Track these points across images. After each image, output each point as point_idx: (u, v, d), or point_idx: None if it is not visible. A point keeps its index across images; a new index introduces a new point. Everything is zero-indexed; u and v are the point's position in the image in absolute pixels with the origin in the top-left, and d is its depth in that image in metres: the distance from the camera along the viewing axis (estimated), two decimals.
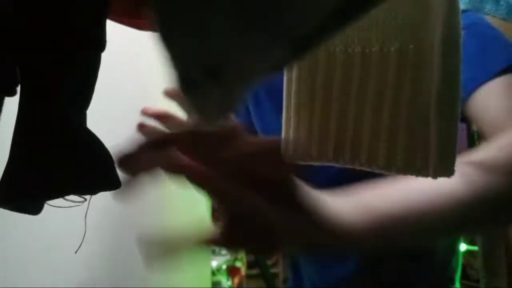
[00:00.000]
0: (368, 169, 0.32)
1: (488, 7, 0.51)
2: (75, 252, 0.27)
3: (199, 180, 0.31)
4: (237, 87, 0.19)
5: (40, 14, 0.26)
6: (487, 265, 0.76)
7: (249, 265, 1.80)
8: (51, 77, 0.26)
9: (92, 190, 0.26)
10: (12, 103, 0.27)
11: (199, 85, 0.19)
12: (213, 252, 1.43)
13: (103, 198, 0.27)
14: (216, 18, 0.15)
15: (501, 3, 0.50)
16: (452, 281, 0.70)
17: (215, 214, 0.84)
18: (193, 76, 0.18)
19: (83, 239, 0.26)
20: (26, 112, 0.26)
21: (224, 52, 0.17)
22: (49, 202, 0.27)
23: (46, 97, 0.26)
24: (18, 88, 0.28)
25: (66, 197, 0.26)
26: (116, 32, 0.39)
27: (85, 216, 0.26)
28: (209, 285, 0.94)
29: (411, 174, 0.31)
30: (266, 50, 0.17)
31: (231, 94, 0.19)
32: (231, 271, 1.72)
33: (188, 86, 0.19)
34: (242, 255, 1.70)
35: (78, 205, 0.27)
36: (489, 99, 0.49)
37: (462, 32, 0.30)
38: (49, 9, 0.25)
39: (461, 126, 0.40)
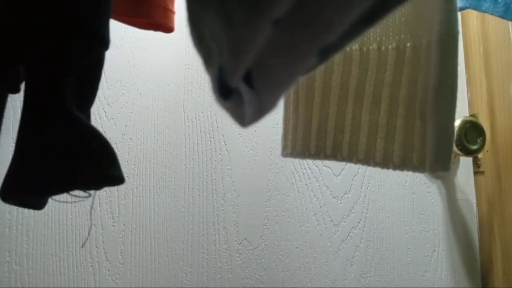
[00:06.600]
0: (365, 165, 0.33)
1: (486, 5, 0.51)
2: (82, 246, 0.27)
3: None
4: (271, 91, 0.19)
5: (44, 12, 0.26)
6: (482, 263, 0.77)
7: None
8: (55, 74, 0.26)
9: (96, 185, 0.27)
10: (15, 102, 0.27)
11: (233, 90, 0.19)
12: None
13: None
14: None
15: (499, 1, 0.51)
16: None
17: None
18: (229, 83, 0.19)
19: (89, 234, 0.27)
20: (30, 109, 0.27)
21: (261, 58, 0.17)
22: (54, 197, 0.28)
23: (51, 94, 0.26)
24: (22, 86, 0.28)
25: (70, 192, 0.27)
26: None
27: (91, 211, 0.27)
28: None
29: (408, 170, 0.32)
30: (307, 55, 0.17)
31: (265, 98, 0.19)
32: None
33: (222, 92, 0.20)
34: None
35: (83, 200, 0.27)
36: None
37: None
38: (53, 7, 0.26)
39: None
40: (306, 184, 0.68)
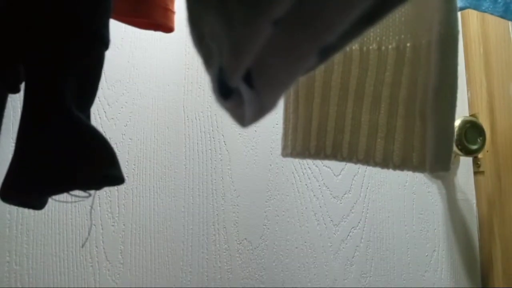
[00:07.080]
0: (365, 165, 0.33)
1: (486, 5, 0.51)
2: (82, 246, 0.28)
3: None
4: (271, 91, 0.19)
5: (44, 12, 0.26)
6: (482, 263, 0.77)
7: None
8: (55, 74, 0.26)
9: (96, 185, 0.27)
10: (15, 102, 0.27)
11: (233, 90, 0.19)
12: None
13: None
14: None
15: (499, 1, 0.51)
16: None
17: None
18: (229, 83, 0.19)
19: (89, 234, 0.27)
20: (30, 109, 0.27)
21: (261, 58, 0.17)
22: (54, 197, 0.28)
23: (51, 94, 0.26)
24: (22, 86, 0.28)
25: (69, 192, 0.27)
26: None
27: (91, 211, 0.27)
28: None
29: (408, 170, 0.32)
30: (307, 55, 0.17)
31: (265, 98, 0.19)
32: None
33: (222, 92, 0.20)
34: None
35: (83, 200, 0.27)
36: None
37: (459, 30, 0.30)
38: (53, 7, 0.26)
39: None
40: (306, 184, 0.68)
